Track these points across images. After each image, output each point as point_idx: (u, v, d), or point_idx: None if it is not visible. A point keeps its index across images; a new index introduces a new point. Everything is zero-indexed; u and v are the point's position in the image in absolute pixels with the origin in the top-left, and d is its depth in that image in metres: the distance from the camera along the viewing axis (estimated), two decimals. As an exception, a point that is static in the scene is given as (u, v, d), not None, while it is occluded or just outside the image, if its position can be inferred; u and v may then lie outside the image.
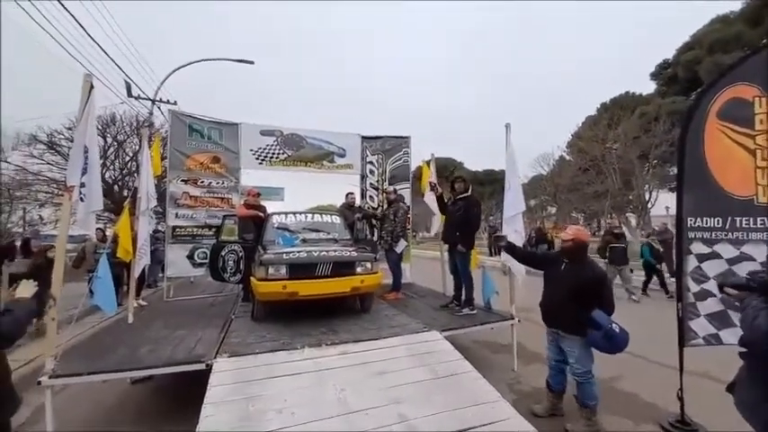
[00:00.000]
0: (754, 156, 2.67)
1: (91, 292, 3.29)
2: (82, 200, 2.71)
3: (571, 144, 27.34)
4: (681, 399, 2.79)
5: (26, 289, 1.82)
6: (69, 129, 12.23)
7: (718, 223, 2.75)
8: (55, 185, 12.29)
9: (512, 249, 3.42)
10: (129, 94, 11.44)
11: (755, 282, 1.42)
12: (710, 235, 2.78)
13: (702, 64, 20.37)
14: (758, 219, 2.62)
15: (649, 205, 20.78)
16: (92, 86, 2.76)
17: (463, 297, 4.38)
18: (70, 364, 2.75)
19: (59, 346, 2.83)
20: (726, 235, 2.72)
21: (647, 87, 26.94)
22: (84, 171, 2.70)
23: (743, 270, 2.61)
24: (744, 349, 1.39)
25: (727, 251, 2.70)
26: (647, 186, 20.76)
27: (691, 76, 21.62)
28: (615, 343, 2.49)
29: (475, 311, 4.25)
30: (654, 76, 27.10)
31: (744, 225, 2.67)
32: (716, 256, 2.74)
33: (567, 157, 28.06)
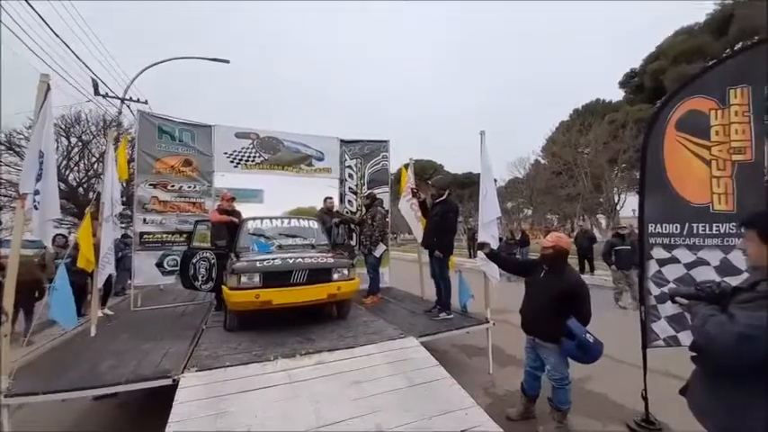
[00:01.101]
0: (709, 166, 2.82)
1: (48, 305, 3.09)
2: (36, 208, 2.54)
3: (546, 148, 28.25)
4: (645, 399, 2.91)
5: None
6: (30, 128, 11.53)
7: (676, 229, 2.89)
8: (13, 189, 11.54)
9: (494, 256, 3.47)
10: (97, 93, 10.91)
11: (704, 291, 1.50)
12: (669, 240, 2.92)
13: (667, 74, 21.53)
14: (713, 225, 2.77)
15: (618, 207, 21.76)
16: (48, 87, 2.59)
17: (442, 301, 4.41)
18: (27, 381, 2.58)
19: (16, 361, 2.66)
20: (684, 240, 2.86)
21: (617, 95, 28.25)
22: (39, 177, 2.53)
23: (699, 274, 2.76)
24: (695, 353, 1.46)
25: (685, 256, 2.84)
26: (615, 189, 21.73)
27: (656, 85, 22.83)
28: (589, 353, 2.51)
29: (452, 316, 4.29)
30: (622, 84, 28.43)
31: (700, 231, 2.81)
32: (674, 260, 2.87)
33: (542, 161, 28.98)
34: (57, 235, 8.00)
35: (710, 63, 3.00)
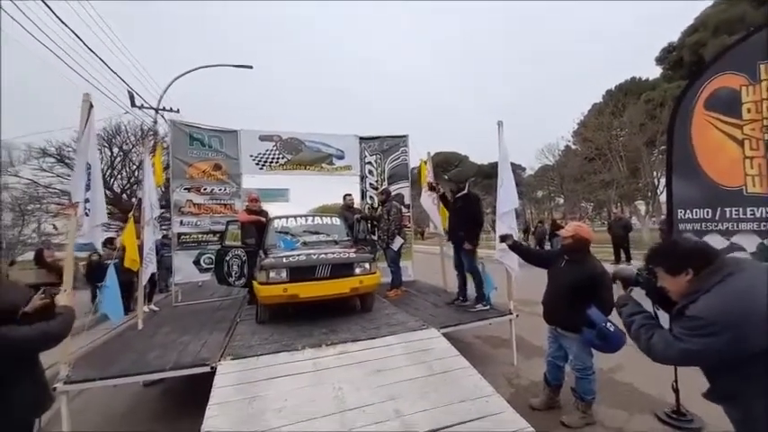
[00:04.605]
0: (741, 146, 2.66)
1: (100, 301, 3.44)
2: (87, 214, 2.84)
3: (577, 133, 26.98)
4: (676, 390, 2.82)
5: (65, 298, 2.03)
6: (77, 140, 12.55)
7: (707, 214, 2.76)
8: (66, 197, 12.63)
9: (517, 247, 3.47)
10: (133, 104, 11.66)
11: (642, 278, 1.55)
12: (700, 226, 2.79)
13: (707, 46, 19.93)
14: (748, 209, 2.62)
15: (658, 191, 20.46)
16: (91, 106, 2.87)
17: (476, 293, 4.39)
18: (84, 370, 2.89)
19: (74, 353, 2.98)
20: (716, 226, 2.73)
21: (654, 72, 26.46)
22: (88, 187, 2.83)
23: (733, 260, 2.63)
24: None
25: (717, 242, 2.70)
26: (655, 173, 20.44)
27: (696, 59, 21.18)
28: (609, 342, 2.45)
29: (488, 307, 4.24)
30: (659, 60, 26.58)
31: (733, 216, 2.67)
32: (706, 246, 2.75)
33: (573, 147, 27.74)
34: (108, 238, 8.73)
35: (737, 37, 2.81)
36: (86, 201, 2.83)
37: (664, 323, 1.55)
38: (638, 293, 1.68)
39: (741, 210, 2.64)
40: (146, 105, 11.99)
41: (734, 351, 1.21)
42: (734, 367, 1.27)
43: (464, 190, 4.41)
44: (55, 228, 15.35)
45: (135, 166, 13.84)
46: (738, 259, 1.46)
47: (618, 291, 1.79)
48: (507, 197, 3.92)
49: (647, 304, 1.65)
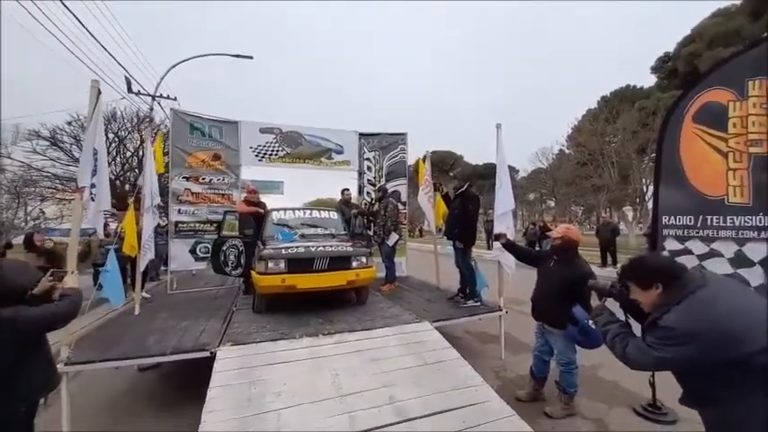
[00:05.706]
0: (726, 158, 2.82)
1: (100, 285, 3.47)
2: (92, 199, 2.89)
3: (571, 137, 27.34)
4: (652, 385, 2.99)
5: (72, 280, 2.09)
6: (69, 123, 12.37)
7: (690, 221, 2.92)
8: (58, 181, 12.44)
9: (511, 247, 3.60)
10: (130, 90, 11.51)
11: (615, 290, 1.67)
12: (683, 232, 2.95)
13: (702, 57, 20.35)
14: (728, 218, 2.78)
15: (646, 198, 20.91)
16: (99, 92, 2.90)
17: (467, 290, 4.53)
18: (83, 352, 2.94)
19: (74, 334, 3.02)
20: (697, 232, 2.89)
21: (649, 80, 26.91)
22: (94, 173, 2.87)
23: (712, 266, 2.80)
24: None
25: (698, 247, 2.87)
26: (644, 180, 20.88)
27: (690, 69, 21.60)
28: (591, 338, 2.59)
29: (479, 303, 4.39)
30: (654, 69, 27.03)
31: (714, 223, 2.83)
32: (687, 252, 2.91)
33: (567, 151, 28.11)
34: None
35: (731, 51, 2.96)
36: (92, 186, 2.87)
37: (635, 331, 1.65)
38: (613, 303, 1.78)
39: (722, 218, 2.80)
40: (142, 92, 11.85)
41: (706, 359, 1.31)
42: (705, 373, 1.37)
43: (463, 188, 4.52)
44: (42, 212, 15.12)
45: (129, 153, 13.70)
46: (703, 272, 1.56)
47: (594, 301, 1.91)
48: (505, 199, 4.05)
49: (621, 313, 1.75)
